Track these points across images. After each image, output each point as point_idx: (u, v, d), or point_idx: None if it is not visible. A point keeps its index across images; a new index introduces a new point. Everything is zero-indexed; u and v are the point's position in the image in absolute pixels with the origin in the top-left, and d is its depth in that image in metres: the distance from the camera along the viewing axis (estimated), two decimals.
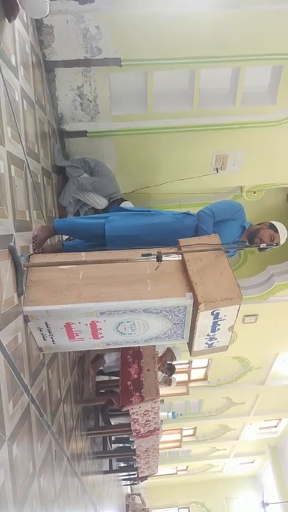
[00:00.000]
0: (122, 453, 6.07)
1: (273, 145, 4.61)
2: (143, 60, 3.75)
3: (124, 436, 5.60)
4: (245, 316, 6.45)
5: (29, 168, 2.65)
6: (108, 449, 5.35)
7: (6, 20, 2.34)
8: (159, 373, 5.25)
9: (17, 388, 1.95)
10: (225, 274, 2.36)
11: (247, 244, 2.86)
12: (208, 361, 8.28)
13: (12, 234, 2.14)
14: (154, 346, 4.23)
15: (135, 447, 4.71)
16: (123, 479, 8.21)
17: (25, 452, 1.99)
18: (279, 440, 11.45)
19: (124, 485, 8.90)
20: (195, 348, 2.54)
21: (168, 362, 5.35)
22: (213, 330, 2.42)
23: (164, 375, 5.50)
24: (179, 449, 11.04)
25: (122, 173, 4.56)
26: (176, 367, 6.07)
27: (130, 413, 3.91)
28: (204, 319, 2.31)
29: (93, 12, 3.40)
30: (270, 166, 4.90)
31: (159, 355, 5.06)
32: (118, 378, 4.12)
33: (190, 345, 2.55)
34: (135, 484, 8.51)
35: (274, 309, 6.43)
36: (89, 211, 4.56)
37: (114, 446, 6.02)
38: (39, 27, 3.39)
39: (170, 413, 7.33)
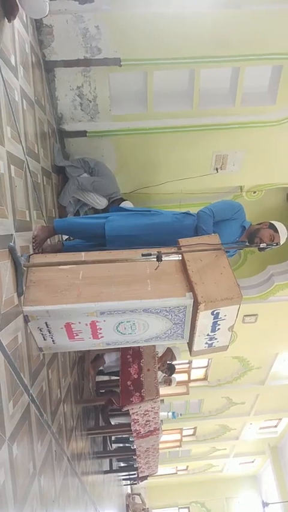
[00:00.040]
0: (122, 453, 6.08)
1: (273, 145, 4.61)
2: (143, 60, 3.75)
3: (124, 436, 5.60)
4: (245, 316, 6.45)
5: (28, 168, 2.65)
6: (108, 449, 5.36)
7: (6, 20, 2.34)
8: (159, 373, 5.25)
9: (17, 388, 1.95)
10: (225, 274, 2.36)
11: (247, 244, 2.85)
12: (208, 361, 8.28)
13: (12, 234, 2.14)
14: (154, 346, 4.23)
15: (135, 447, 4.71)
16: (123, 479, 8.22)
17: (25, 452, 1.99)
18: (279, 440, 11.46)
19: (124, 485, 8.90)
20: (195, 348, 2.54)
21: (168, 362, 5.35)
22: (213, 329, 2.42)
23: (164, 374, 5.50)
24: (179, 449, 11.04)
25: (122, 173, 4.56)
26: (176, 367, 6.07)
27: (130, 413, 3.91)
28: (204, 319, 2.31)
29: (93, 12, 3.40)
30: (270, 166, 4.90)
31: (159, 355, 5.06)
32: (118, 377, 4.12)
33: (190, 344, 2.55)
34: (135, 483, 8.51)
35: (274, 309, 6.43)
36: (89, 211, 4.56)
37: (114, 446, 6.02)
38: (38, 27, 3.39)
39: (170, 413, 7.33)
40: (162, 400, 5.46)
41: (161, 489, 13.38)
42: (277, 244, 2.79)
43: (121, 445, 6.30)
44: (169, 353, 5.23)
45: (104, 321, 2.33)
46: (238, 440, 10.91)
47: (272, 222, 2.92)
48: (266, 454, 12.09)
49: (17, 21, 2.61)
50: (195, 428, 10.67)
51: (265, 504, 12.23)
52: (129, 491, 10.02)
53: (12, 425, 1.84)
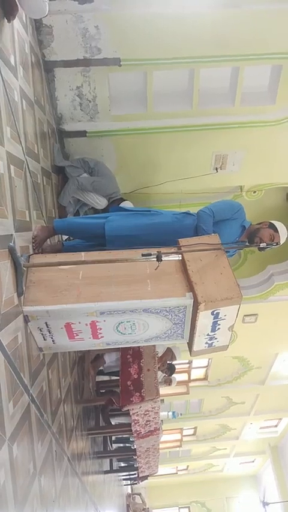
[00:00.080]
0: (122, 453, 6.08)
1: (272, 145, 4.61)
2: (143, 60, 3.75)
3: (124, 436, 5.60)
4: (245, 315, 6.45)
5: (28, 168, 2.65)
6: (108, 449, 5.35)
7: (6, 20, 2.34)
8: (159, 373, 5.25)
9: (17, 388, 1.95)
10: (225, 274, 2.36)
11: (247, 243, 2.85)
12: (208, 361, 8.28)
13: (12, 234, 2.14)
14: (154, 346, 4.23)
15: (135, 447, 4.71)
16: (124, 479, 8.21)
17: (25, 452, 1.99)
18: (279, 439, 11.46)
19: (124, 485, 8.90)
20: (195, 348, 2.54)
21: (168, 362, 5.35)
22: (213, 329, 2.42)
23: (164, 374, 5.50)
24: (180, 449, 11.05)
25: (122, 173, 4.56)
26: (176, 366, 6.07)
27: (130, 414, 3.91)
28: (204, 318, 2.31)
29: (93, 12, 3.40)
30: (269, 166, 4.90)
31: (159, 355, 5.06)
32: (118, 377, 4.12)
33: (190, 344, 2.55)
34: (136, 483, 8.51)
35: (274, 309, 6.43)
36: (89, 211, 4.56)
37: (114, 446, 6.02)
38: (38, 27, 3.39)
39: (170, 413, 7.33)
40: (163, 400, 5.46)
41: (161, 489, 13.39)
42: (277, 244, 2.78)
43: (121, 445, 6.29)
44: (169, 353, 5.23)
45: (104, 321, 2.33)
46: (238, 440, 10.91)
47: (272, 221, 2.92)
48: (266, 454, 12.09)
49: (16, 22, 2.61)
50: (195, 428, 10.67)
51: (265, 504, 12.24)
52: (129, 491, 10.02)
53: (13, 426, 1.84)
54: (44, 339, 2.38)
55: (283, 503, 11.39)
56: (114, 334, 2.45)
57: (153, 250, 2.25)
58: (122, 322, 2.37)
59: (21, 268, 2.11)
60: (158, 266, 2.31)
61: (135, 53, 3.69)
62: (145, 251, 2.26)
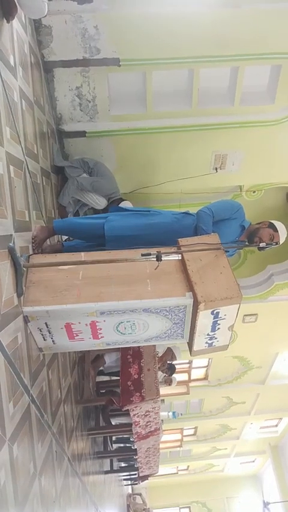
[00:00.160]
0: (122, 453, 6.07)
1: (272, 145, 4.62)
2: (142, 60, 3.75)
3: (125, 436, 5.60)
4: (245, 315, 6.46)
5: (28, 168, 2.65)
6: (109, 449, 5.35)
7: (5, 21, 2.34)
8: (160, 372, 5.25)
9: (17, 388, 1.95)
10: (225, 274, 2.36)
11: (247, 243, 2.86)
12: (208, 361, 8.28)
13: (11, 235, 2.14)
14: (154, 346, 4.23)
15: (136, 447, 4.71)
16: (124, 479, 8.22)
17: (26, 452, 1.99)
18: (279, 439, 11.46)
19: (125, 485, 8.90)
20: (195, 348, 2.54)
21: (168, 362, 5.35)
22: (213, 329, 2.42)
23: (164, 374, 5.50)
24: (180, 449, 11.04)
25: (121, 173, 4.56)
26: (176, 366, 6.07)
27: (131, 415, 3.91)
28: (204, 318, 2.31)
29: (92, 12, 3.40)
30: (269, 166, 4.90)
31: (160, 355, 5.06)
32: (118, 378, 4.12)
33: (190, 344, 2.55)
34: (136, 484, 8.50)
35: (274, 309, 6.44)
36: (89, 212, 4.56)
37: (115, 446, 6.02)
38: (37, 27, 3.39)
39: (171, 413, 7.32)
40: (163, 400, 5.45)
41: (161, 489, 13.38)
42: (277, 243, 2.78)
43: (122, 445, 6.29)
44: (169, 353, 5.23)
45: (104, 321, 2.33)
46: (239, 440, 10.91)
47: (272, 221, 2.92)
48: (266, 454, 12.09)
49: (15, 22, 2.61)
50: (195, 428, 10.67)
51: (266, 503, 12.24)
52: (130, 491, 10.02)
53: (13, 426, 1.84)
54: (44, 339, 2.38)
55: (284, 502, 11.39)
56: (114, 334, 2.45)
57: (153, 250, 2.25)
58: (122, 322, 2.37)
59: (21, 269, 2.11)
60: (157, 266, 2.31)
61: (135, 53, 3.69)
62: (145, 251, 2.26)
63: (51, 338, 2.38)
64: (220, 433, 10.53)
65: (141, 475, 5.92)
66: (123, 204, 4.01)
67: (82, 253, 2.49)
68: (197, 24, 3.57)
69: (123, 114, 4.17)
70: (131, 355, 4.10)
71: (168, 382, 5.58)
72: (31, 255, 2.44)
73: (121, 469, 6.96)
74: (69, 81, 3.81)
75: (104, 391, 4.94)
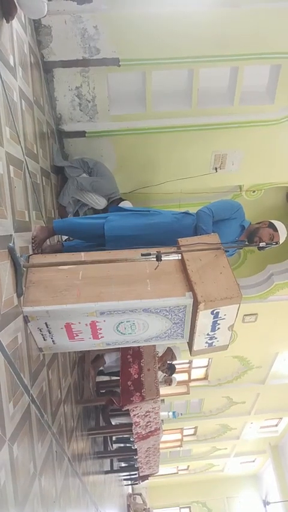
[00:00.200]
0: (122, 453, 6.08)
1: (272, 144, 4.62)
2: (142, 60, 3.75)
3: (125, 436, 5.60)
4: (244, 315, 6.46)
5: (28, 168, 2.65)
6: (109, 449, 5.35)
7: (4, 21, 2.34)
8: (160, 372, 5.25)
9: (17, 388, 1.95)
10: (225, 274, 2.36)
11: (246, 243, 2.85)
12: (208, 361, 8.28)
13: (11, 235, 2.14)
14: (154, 345, 4.23)
15: (136, 447, 4.71)
16: (124, 479, 8.22)
17: (26, 452, 1.99)
18: (279, 439, 11.46)
19: (125, 485, 8.90)
20: (195, 348, 2.54)
21: (168, 362, 5.35)
22: (213, 329, 2.42)
23: (165, 374, 5.50)
24: (180, 449, 11.04)
25: (121, 173, 4.56)
26: (176, 366, 6.07)
27: (131, 415, 3.91)
28: (204, 318, 2.31)
29: (91, 12, 3.40)
30: (269, 165, 4.91)
31: (160, 354, 5.06)
32: (118, 378, 4.12)
33: (190, 344, 2.55)
34: (136, 483, 8.50)
35: (274, 308, 6.43)
36: (89, 212, 4.56)
37: (115, 446, 6.02)
38: (37, 27, 3.39)
39: (171, 413, 7.32)
40: (163, 400, 5.46)
41: (162, 489, 13.38)
42: (277, 243, 2.78)
43: (122, 445, 6.30)
44: (169, 353, 5.23)
45: (104, 321, 2.33)
46: (239, 440, 10.91)
47: (272, 221, 2.91)
48: (266, 453, 12.09)
49: (15, 22, 2.61)
50: (195, 428, 10.67)
51: (266, 503, 12.25)
52: (130, 491, 10.02)
53: (13, 426, 1.84)
54: (44, 339, 2.38)
55: (284, 502, 11.39)
56: (114, 334, 2.45)
57: (153, 250, 2.25)
58: (121, 322, 2.37)
59: (20, 269, 2.11)
60: (157, 266, 2.31)
61: (134, 53, 3.69)
62: (145, 251, 2.26)
63: (51, 338, 2.38)
64: (220, 433, 10.53)
65: (141, 475, 5.92)
66: (122, 204, 4.01)
67: (82, 253, 2.49)
68: (196, 24, 3.57)
69: (123, 114, 4.17)
70: (131, 355, 4.10)
71: (168, 382, 5.58)
72: (31, 255, 2.44)
73: (121, 469, 6.96)
74: (69, 81, 3.81)
75: (104, 391, 4.94)
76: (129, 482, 8.59)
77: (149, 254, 2.23)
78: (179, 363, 7.76)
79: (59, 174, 3.96)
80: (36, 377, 2.32)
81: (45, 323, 2.27)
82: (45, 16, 2.67)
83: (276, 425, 10.95)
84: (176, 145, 4.46)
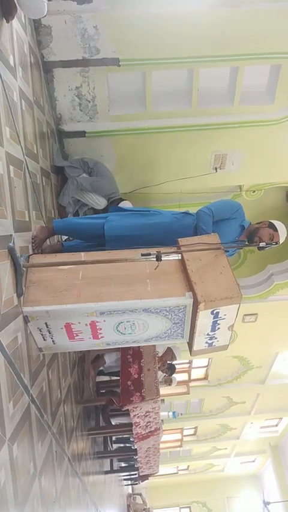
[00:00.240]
0: (122, 453, 6.08)
1: (272, 144, 4.62)
2: (142, 60, 3.75)
3: (125, 436, 5.60)
4: (244, 315, 6.46)
5: (28, 168, 2.65)
6: (109, 449, 5.36)
7: (4, 21, 2.34)
8: (160, 372, 5.25)
9: (17, 388, 1.95)
10: (225, 274, 2.36)
11: (246, 243, 2.85)
12: (208, 361, 8.28)
13: (11, 235, 2.14)
14: (154, 345, 4.23)
15: (136, 447, 4.71)
16: (124, 479, 8.22)
17: (26, 452, 1.99)
18: (280, 439, 11.46)
19: (125, 485, 8.90)
20: (195, 348, 2.54)
21: (168, 362, 5.35)
22: (213, 329, 2.42)
23: (165, 374, 5.51)
24: (180, 449, 11.04)
25: (121, 173, 4.56)
26: (176, 366, 6.07)
27: (131, 416, 3.91)
28: (204, 318, 2.31)
29: (91, 13, 3.40)
30: (269, 165, 4.91)
31: (160, 354, 5.06)
32: (118, 378, 4.12)
33: (190, 344, 2.55)
34: (136, 483, 8.51)
35: (274, 308, 6.43)
36: (89, 212, 4.56)
37: (115, 446, 6.02)
38: (37, 27, 3.39)
39: (171, 413, 7.33)
40: (163, 400, 5.46)
41: (162, 489, 13.39)
42: (276, 243, 2.78)
43: (122, 445, 6.30)
44: (169, 353, 5.23)
45: (104, 321, 2.33)
46: (239, 440, 10.91)
47: (272, 221, 2.91)
48: (266, 453, 12.09)
49: (15, 22, 2.61)
50: (195, 428, 10.67)
51: (266, 503, 12.24)
52: (130, 491, 10.02)
53: (13, 426, 1.84)
54: (44, 339, 2.38)
55: (284, 502, 11.39)
56: (114, 334, 2.45)
57: (153, 250, 2.25)
58: (121, 322, 2.37)
59: (20, 269, 2.11)
60: (157, 266, 2.31)
61: (134, 53, 3.69)
62: (145, 251, 2.26)
63: (51, 338, 2.38)
64: (220, 433, 10.53)
65: (141, 475, 5.92)
66: (122, 204, 4.01)
67: (82, 253, 2.49)
68: (196, 24, 3.57)
69: (123, 114, 4.17)
70: (131, 355, 4.10)
71: (168, 382, 5.58)
72: (31, 255, 2.44)
73: (121, 469, 6.96)
74: (69, 81, 3.81)
75: (104, 391, 4.94)
76: (129, 482, 8.59)
77: (149, 254, 2.23)
78: (179, 363, 7.76)
79: (59, 174, 3.96)
80: (36, 377, 2.32)
81: (45, 323, 2.27)
82: (45, 16, 2.67)
83: (276, 425, 10.96)
84: (176, 145, 4.46)
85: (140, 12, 3.46)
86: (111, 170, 4.32)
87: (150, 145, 4.43)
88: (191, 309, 2.32)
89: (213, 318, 2.34)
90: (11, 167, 2.25)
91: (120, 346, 2.71)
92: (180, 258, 2.46)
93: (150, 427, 4.22)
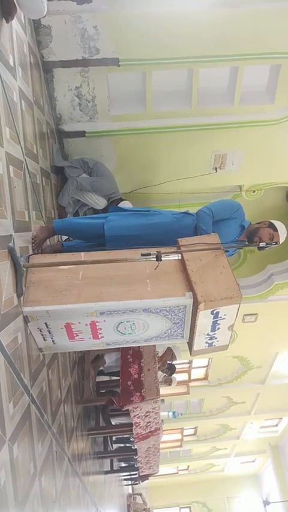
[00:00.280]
0: (123, 453, 6.08)
1: (272, 144, 4.62)
2: (141, 60, 3.75)
3: (125, 436, 5.60)
4: (244, 315, 6.46)
5: (27, 168, 2.65)
6: (109, 449, 5.36)
7: (4, 21, 2.34)
8: (160, 372, 5.25)
9: (17, 388, 1.95)
10: (225, 274, 2.36)
11: (246, 243, 2.85)
12: (208, 361, 8.28)
13: (11, 235, 2.14)
14: (154, 345, 4.23)
15: (136, 447, 4.71)
16: (124, 479, 8.22)
17: (26, 452, 1.99)
18: (279, 439, 11.46)
19: (125, 485, 8.90)
20: (195, 348, 2.54)
21: (168, 362, 5.35)
22: (213, 329, 2.42)
23: (165, 374, 5.51)
24: (180, 449, 11.04)
25: (121, 173, 4.56)
26: (176, 366, 6.07)
27: (131, 416, 3.91)
28: (204, 318, 2.31)
29: (91, 13, 3.40)
30: (269, 165, 4.91)
31: (160, 354, 5.06)
32: (118, 378, 4.12)
33: (190, 344, 2.55)
34: (137, 483, 8.51)
35: (274, 308, 6.43)
36: (88, 212, 4.56)
37: (115, 446, 6.02)
38: (37, 27, 3.39)
39: (171, 413, 7.33)
40: (163, 400, 5.46)
41: (162, 489, 13.38)
42: (276, 243, 2.78)
43: (122, 445, 6.30)
44: (169, 353, 5.23)
45: (104, 321, 2.33)
46: (239, 440, 10.91)
47: (272, 221, 2.92)
48: (266, 453, 12.09)
49: (15, 22, 2.61)
50: (195, 428, 10.67)
51: (266, 503, 12.25)
52: (130, 491, 10.03)
53: (13, 426, 1.84)
54: (44, 339, 2.38)
55: (284, 502, 11.39)
56: (114, 334, 2.45)
57: (153, 250, 2.25)
58: (121, 322, 2.37)
59: (20, 269, 2.11)
60: (157, 266, 2.31)
61: (134, 53, 3.69)
62: (145, 251, 2.26)
63: (51, 338, 2.38)
64: (220, 433, 10.53)
65: (141, 475, 5.93)
66: (122, 204, 4.01)
67: (82, 253, 2.49)
68: (196, 24, 3.57)
69: (123, 114, 4.17)
70: (131, 355, 4.10)
71: (168, 382, 5.58)
72: (31, 255, 2.44)
73: (121, 469, 6.96)
74: (69, 81, 3.81)
75: (104, 391, 4.94)
76: (129, 482, 8.60)
77: (149, 254, 2.23)
78: (179, 363, 7.76)
79: (59, 174, 3.96)
80: (36, 377, 2.32)
81: (45, 323, 2.27)
82: (45, 16, 2.68)
83: (276, 425, 10.96)
84: (176, 145, 4.46)
85: (140, 12, 3.46)
86: (111, 170, 4.32)
87: (150, 145, 4.43)
88: (191, 309, 2.32)
89: (213, 318, 2.34)
90: (11, 167, 2.25)
91: (120, 346, 2.71)
92: (180, 258, 2.45)
93: (150, 427, 4.23)
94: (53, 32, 3.45)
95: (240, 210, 2.91)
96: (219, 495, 13.78)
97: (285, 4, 3.53)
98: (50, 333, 2.34)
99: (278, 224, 2.88)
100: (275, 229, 2.85)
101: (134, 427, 4.05)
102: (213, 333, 2.44)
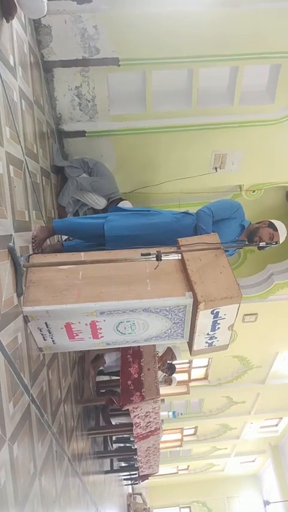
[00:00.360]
0: (122, 453, 6.08)
1: (272, 144, 4.62)
2: (141, 59, 3.75)
3: (125, 435, 5.60)
4: (244, 315, 6.46)
5: (27, 168, 2.65)
6: (109, 449, 5.36)
7: (4, 20, 2.34)
8: (160, 372, 5.25)
9: (17, 388, 1.95)
10: (225, 273, 2.36)
11: (246, 243, 2.85)
12: (208, 361, 8.28)
13: (11, 235, 2.14)
14: (154, 345, 4.23)
15: (136, 447, 4.71)
16: (124, 479, 8.22)
17: (26, 452, 1.99)
18: (280, 439, 11.46)
19: (125, 485, 8.90)
20: (195, 347, 2.54)
21: (168, 361, 5.35)
22: (213, 329, 2.42)
23: (165, 374, 5.51)
24: (180, 449, 11.05)
25: (121, 173, 4.56)
26: (176, 366, 6.07)
27: (132, 417, 3.91)
28: (204, 318, 2.31)
29: (91, 12, 3.40)
30: (269, 165, 4.91)
31: (160, 354, 5.06)
32: (118, 377, 4.12)
33: (190, 344, 2.55)
34: (137, 483, 8.51)
35: (274, 308, 6.44)
36: (88, 212, 4.56)
37: (115, 446, 6.02)
38: (37, 27, 3.39)
39: (171, 413, 7.33)
40: (163, 400, 5.46)
41: (162, 489, 13.39)
42: (276, 243, 2.77)
43: (122, 444, 6.30)
44: (169, 352, 5.23)
45: (104, 320, 2.33)
46: (239, 440, 10.92)
47: (272, 220, 2.91)
48: (266, 453, 12.10)
49: (15, 22, 2.61)
50: (195, 427, 10.67)
51: (266, 503, 12.25)
52: (130, 491, 10.03)
53: (13, 426, 1.84)
54: (44, 339, 2.38)
55: (284, 502, 11.39)
56: (114, 334, 2.45)
57: (153, 250, 2.25)
58: (121, 322, 2.37)
59: (20, 269, 2.11)
60: (157, 266, 2.31)
61: (134, 53, 3.69)
62: (144, 251, 2.26)
63: (51, 338, 2.38)
64: (220, 432, 10.54)
65: (141, 474, 5.93)
66: (122, 204, 4.00)
67: (82, 253, 2.49)
68: (196, 24, 3.57)
69: (123, 114, 4.17)
70: (131, 355, 4.10)
71: (168, 381, 5.58)
72: (31, 254, 2.44)
73: (121, 469, 6.96)
74: (69, 81, 3.81)
75: (104, 390, 4.94)
76: (129, 482, 8.59)
77: (149, 254, 2.23)
78: (179, 362, 7.76)
79: (59, 174, 3.96)
80: (36, 377, 2.32)
81: (45, 323, 2.27)
82: (45, 16, 2.68)
83: (276, 425, 10.96)
84: (176, 145, 4.46)
85: (140, 12, 3.46)
86: (111, 170, 4.32)
87: (150, 145, 4.43)
88: (191, 309, 2.32)
89: (213, 318, 2.34)
90: (11, 167, 2.25)
91: (120, 346, 2.71)
92: (180, 257, 2.46)
93: (150, 427, 4.23)
94: (53, 32, 3.45)
95: (240, 210, 2.91)
96: (219, 495, 13.79)
97: (285, 4, 3.53)
98: (50, 333, 2.35)
99: (278, 224, 2.88)
100: (275, 229, 2.85)
101: (134, 427, 4.05)
102: (213, 332, 2.44)
